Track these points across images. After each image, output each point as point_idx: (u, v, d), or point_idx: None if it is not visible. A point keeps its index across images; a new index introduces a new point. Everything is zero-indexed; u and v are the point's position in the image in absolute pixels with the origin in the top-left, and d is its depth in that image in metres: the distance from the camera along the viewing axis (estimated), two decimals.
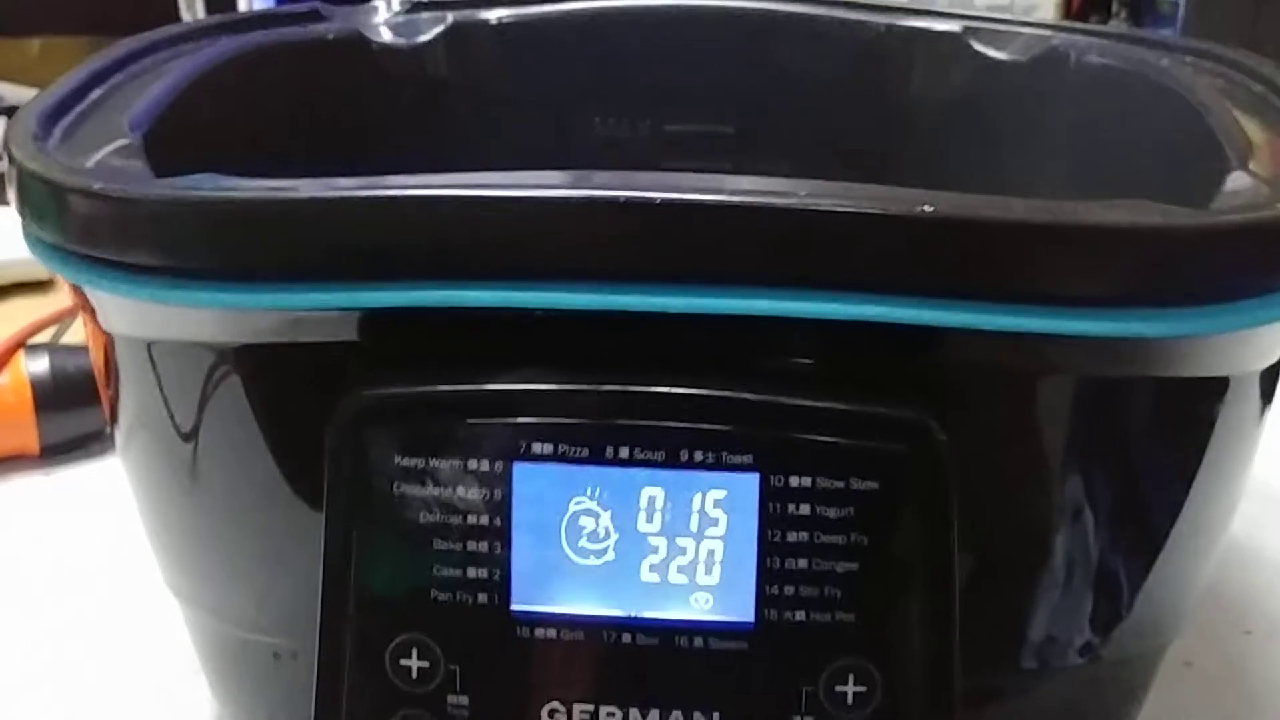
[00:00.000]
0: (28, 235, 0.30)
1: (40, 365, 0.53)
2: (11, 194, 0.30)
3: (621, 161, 0.49)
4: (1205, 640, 0.44)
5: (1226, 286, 0.27)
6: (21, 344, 0.54)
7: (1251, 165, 0.31)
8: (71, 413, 0.53)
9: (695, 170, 0.49)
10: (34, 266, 0.65)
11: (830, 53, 0.49)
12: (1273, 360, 0.32)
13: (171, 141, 0.33)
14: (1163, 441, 0.31)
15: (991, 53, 0.46)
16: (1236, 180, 0.30)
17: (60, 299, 0.63)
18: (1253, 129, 0.34)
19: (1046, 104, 0.44)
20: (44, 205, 0.29)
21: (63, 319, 0.59)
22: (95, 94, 0.35)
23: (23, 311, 0.62)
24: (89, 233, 0.28)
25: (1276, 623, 0.45)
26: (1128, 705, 0.36)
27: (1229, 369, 0.30)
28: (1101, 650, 0.33)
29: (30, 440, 0.53)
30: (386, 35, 0.46)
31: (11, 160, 0.30)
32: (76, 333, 0.58)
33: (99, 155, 0.31)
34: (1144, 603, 0.33)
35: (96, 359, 0.35)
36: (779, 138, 0.50)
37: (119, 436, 0.35)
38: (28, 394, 0.52)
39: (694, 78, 0.49)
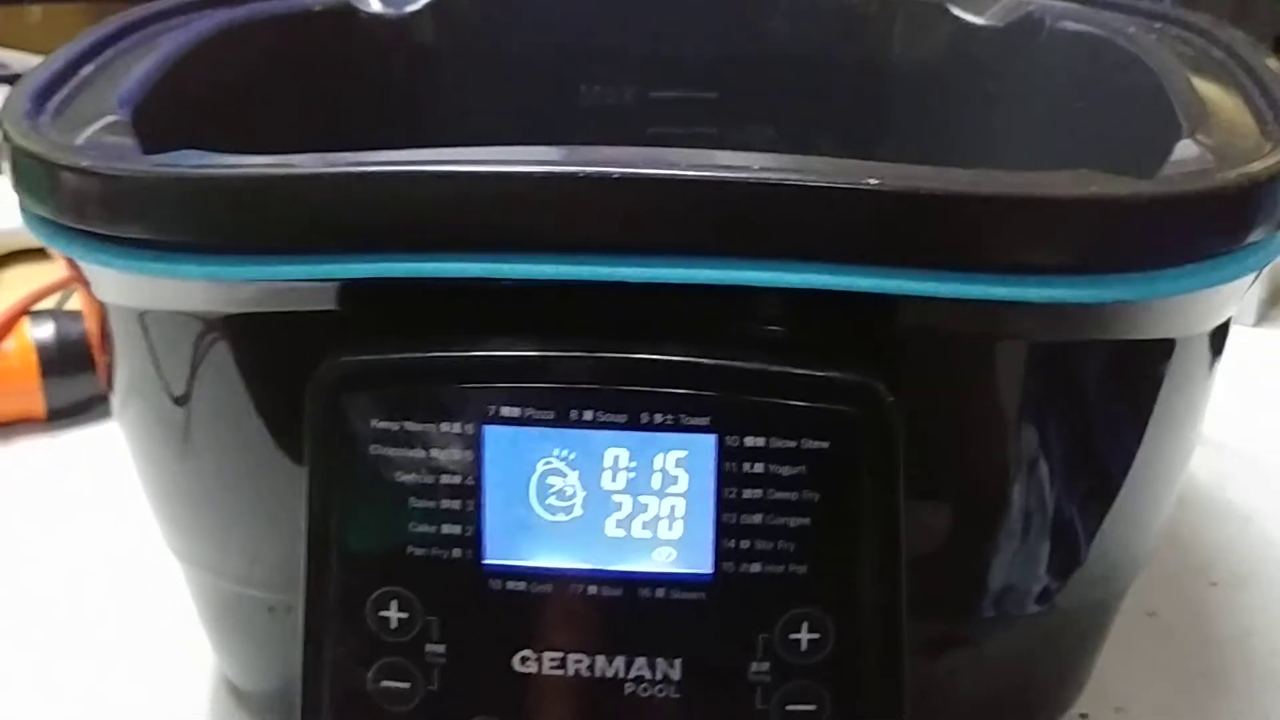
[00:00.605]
0: (23, 210, 0.32)
1: (45, 331, 0.55)
2: (6, 170, 0.32)
3: (607, 128, 0.50)
4: (1170, 591, 0.45)
5: (1167, 253, 0.28)
6: (26, 310, 0.55)
7: (1199, 134, 0.32)
8: (76, 377, 0.55)
9: (680, 136, 0.51)
10: None
11: (813, 18, 0.49)
12: (1219, 321, 0.33)
13: (160, 117, 0.34)
14: (1111, 402, 0.32)
15: (969, 17, 0.46)
16: (1184, 149, 0.31)
17: (63, 267, 0.65)
18: (1210, 96, 0.35)
19: (1019, 69, 0.45)
20: (37, 182, 0.30)
21: (66, 286, 0.60)
22: (86, 70, 0.36)
23: (27, 279, 0.64)
24: (79, 208, 0.30)
25: (1241, 574, 0.46)
26: (1084, 652, 0.38)
27: (1174, 331, 0.31)
28: (1058, 599, 0.34)
29: (36, 404, 0.54)
30: (374, 5, 0.47)
31: (6, 138, 0.31)
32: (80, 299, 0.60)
33: (89, 132, 0.32)
34: (1097, 553, 0.34)
35: (91, 328, 0.36)
36: (763, 103, 0.51)
37: (115, 402, 0.36)
38: (33, 359, 0.54)
39: (679, 44, 0.50)
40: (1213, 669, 0.42)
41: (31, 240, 0.71)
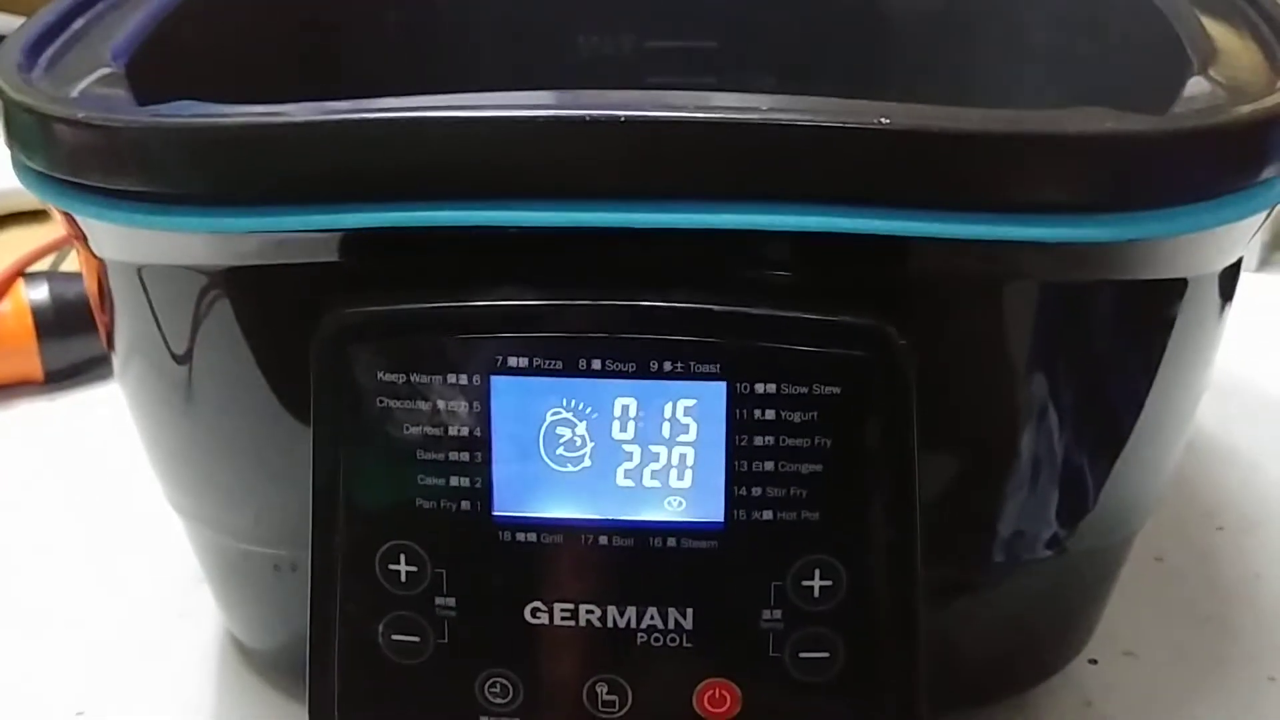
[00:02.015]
0: (17, 165, 0.31)
1: (40, 292, 0.54)
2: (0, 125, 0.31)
3: (605, 78, 0.49)
4: (1177, 536, 0.45)
5: (1180, 190, 0.28)
6: (21, 272, 0.55)
7: (1211, 71, 0.32)
8: (73, 338, 0.54)
9: (679, 86, 0.50)
10: (29, 197, 0.67)
11: None
12: (1230, 261, 0.32)
13: (153, 69, 0.34)
14: (1123, 342, 0.32)
15: None
16: (1195, 85, 0.31)
17: (57, 228, 0.64)
18: (1218, 34, 0.35)
19: (1025, 9, 0.44)
20: (31, 135, 0.30)
21: (60, 247, 0.59)
22: (78, 24, 0.36)
23: (20, 241, 0.63)
24: (75, 161, 0.29)
25: (1247, 519, 0.46)
26: (1094, 597, 0.38)
27: (1187, 270, 0.31)
28: (1068, 543, 0.34)
29: (34, 366, 0.54)
30: None
31: None
32: (75, 261, 0.59)
33: (83, 85, 0.31)
34: (1109, 497, 0.34)
35: (91, 286, 0.36)
36: (762, 51, 0.50)
37: (117, 361, 0.36)
38: (29, 321, 0.54)
39: None
40: (1221, 613, 0.42)
41: (24, 203, 0.71)
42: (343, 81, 0.42)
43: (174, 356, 0.33)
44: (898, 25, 0.48)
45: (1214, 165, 0.28)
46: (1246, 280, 0.35)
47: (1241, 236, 0.32)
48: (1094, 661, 0.39)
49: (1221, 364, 0.37)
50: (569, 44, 0.50)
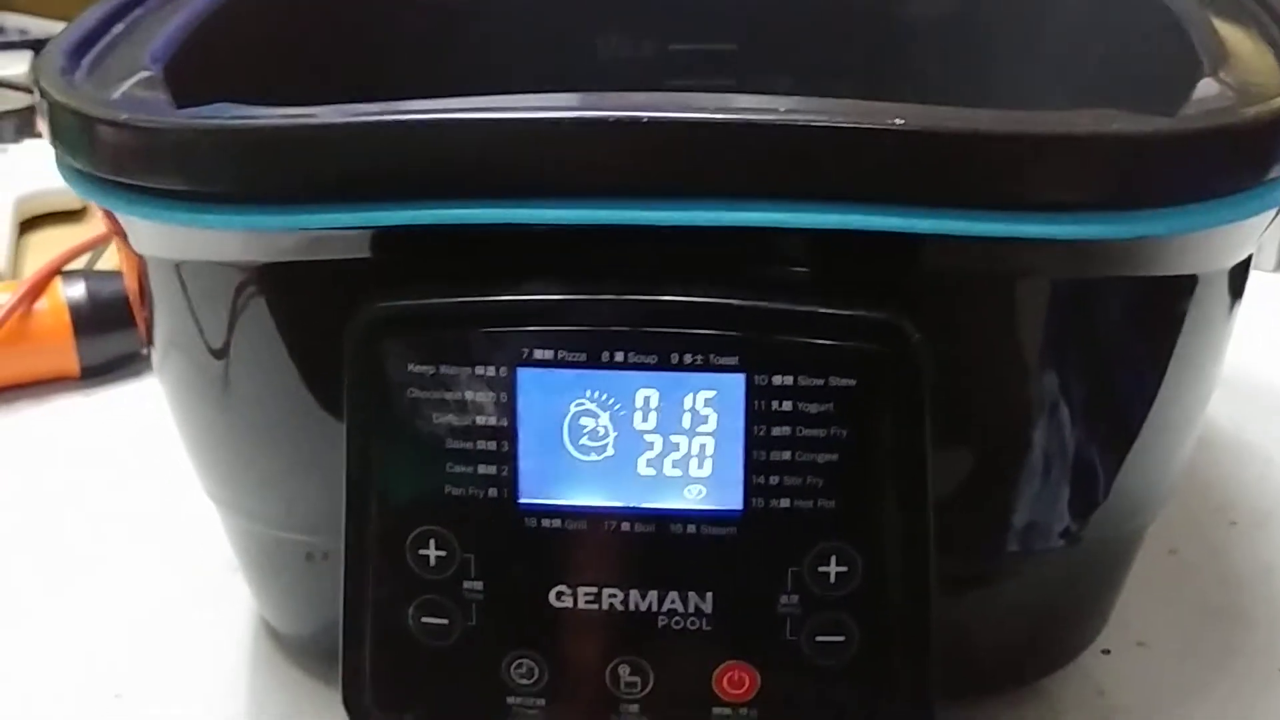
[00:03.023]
0: (60, 164, 0.32)
1: (77, 290, 0.55)
2: (43, 126, 0.32)
3: (627, 81, 0.50)
4: (1190, 530, 0.46)
5: (1192, 189, 0.29)
6: (58, 270, 0.56)
7: (1222, 72, 0.32)
8: (108, 335, 0.56)
9: (699, 88, 0.51)
10: (66, 197, 0.69)
11: None
12: (1240, 258, 0.33)
13: (190, 73, 0.35)
14: (1134, 337, 0.33)
15: None
16: (1206, 87, 0.32)
17: (92, 228, 0.66)
18: (1229, 36, 0.35)
19: (1038, 12, 0.45)
20: (74, 136, 0.31)
21: (96, 246, 0.61)
22: (117, 28, 0.37)
23: (56, 241, 0.65)
24: (117, 161, 0.30)
25: (1260, 513, 0.47)
26: (1107, 588, 0.38)
27: (1197, 267, 0.32)
28: (1080, 534, 0.35)
29: (70, 362, 0.55)
30: None
31: (43, 94, 0.32)
32: (110, 259, 0.61)
33: (123, 87, 0.32)
34: (1120, 488, 0.35)
35: (130, 282, 0.37)
36: (781, 54, 0.51)
37: (155, 355, 0.37)
38: (66, 318, 0.55)
39: None
40: (1233, 605, 0.42)
41: (59, 203, 0.72)
42: (370, 85, 0.43)
43: (211, 350, 0.34)
44: (913, 29, 0.49)
45: (1225, 164, 0.29)
46: (1263, 280, 0.35)
47: (1251, 234, 0.32)
48: (1107, 652, 0.40)
49: (1235, 362, 0.38)
50: (590, 47, 0.51)
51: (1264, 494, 0.48)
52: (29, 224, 0.68)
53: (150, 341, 0.37)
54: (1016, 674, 0.38)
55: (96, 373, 0.56)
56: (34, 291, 0.55)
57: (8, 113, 0.76)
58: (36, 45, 0.82)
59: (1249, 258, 0.34)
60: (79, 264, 0.59)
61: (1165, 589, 0.43)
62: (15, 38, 0.86)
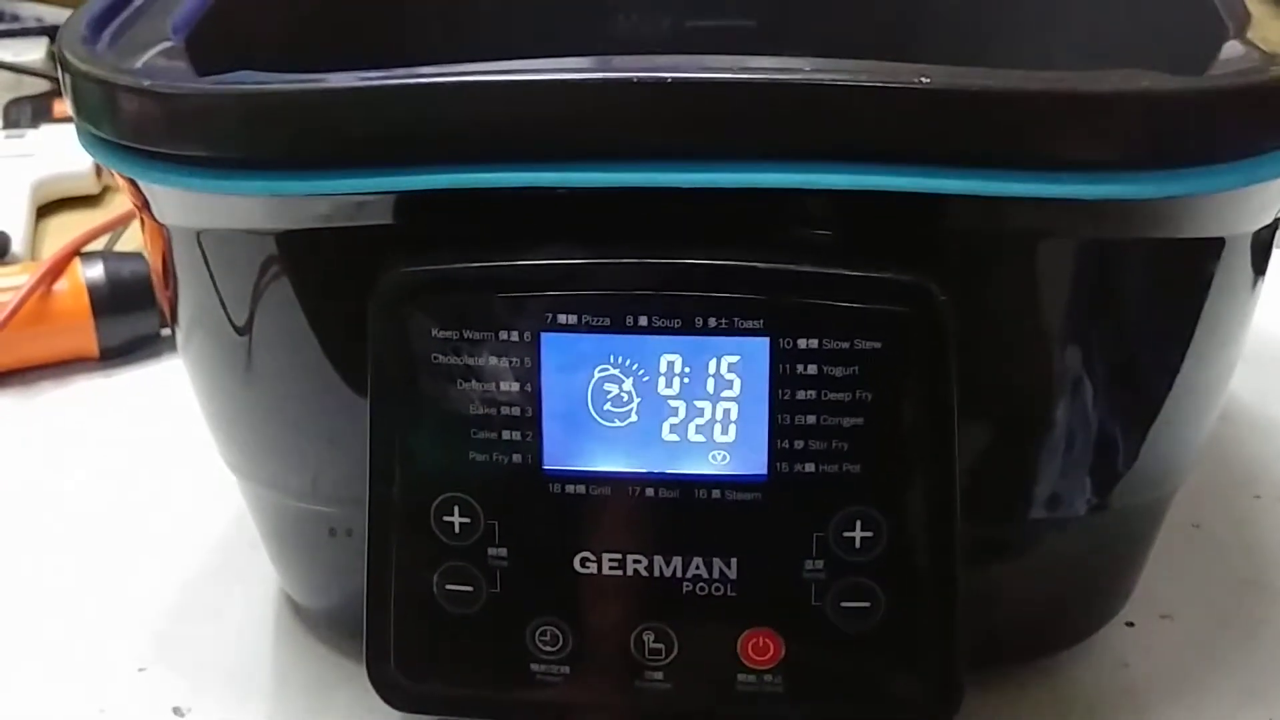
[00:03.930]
0: (82, 134, 0.32)
1: (96, 271, 0.56)
2: (66, 98, 0.32)
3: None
4: (1214, 503, 0.45)
5: (1219, 148, 0.28)
6: (77, 251, 0.56)
7: (1248, 34, 0.32)
8: (127, 316, 0.56)
9: None
10: (83, 181, 0.69)
11: None
12: (1267, 221, 0.33)
13: (211, 43, 0.35)
14: (1160, 302, 0.33)
15: None
16: (1231, 49, 0.31)
17: (110, 210, 0.66)
18: (1253, 1, 0.35)
19: None
20: (97, 104, 0.31)
21: (115, 227, 0.61)
22: (138, 2, 0.37)
23: (73, 224, 0.65)
24: (140, 128, 0.30)
25: None
26: (1131, 558, 0.38)
27: (1224, 229, 0.32)
28: (1105, 500, 0.35)
29: (89, 343, 0.56)
30: None
31: (64, 65, 0.32)
32: (128, 241, 0.61)
33: (145, 57, 0.32)
34: (1146, 456, 0.34)
35: (154, 259, 0.37)
36: (800, 29, 0.51)
37: (179, 330, 0.37)
38: (85, 299, 0.55)
39: None
40: (1258, 577, 0.42)
41: (74, 188, 0.72)
42: (390, 56, 0.43)
43: (234, 321, 0.34)
44: (933, 2, 0.49)
45: (1252, 123, 0.29)
46: None
47: (1277, 196, 0.32)
48: (1131, 624, 0.40)
49: (1260, 336, 0.37)
50: (609, 24, 0.51)
51: None
52: (46, 209, 0.68)
53: (174, 317, 0.37)
54: (1040, 645, 0.38)
55: (116, 354, 0.56)
56: (53, 272, 0.55)
57: (25, 98, 0.76)
58: (52, 32, 0.82)
59: (1275, 222, 0.33)
60: (98, 245, 0.59)
61: (1189, 562, 0.43)
62: (31, 25, 0.86)
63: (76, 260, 0.56)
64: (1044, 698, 0.37)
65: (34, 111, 0.74)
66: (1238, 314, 0.35)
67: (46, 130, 0.72)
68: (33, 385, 0.55)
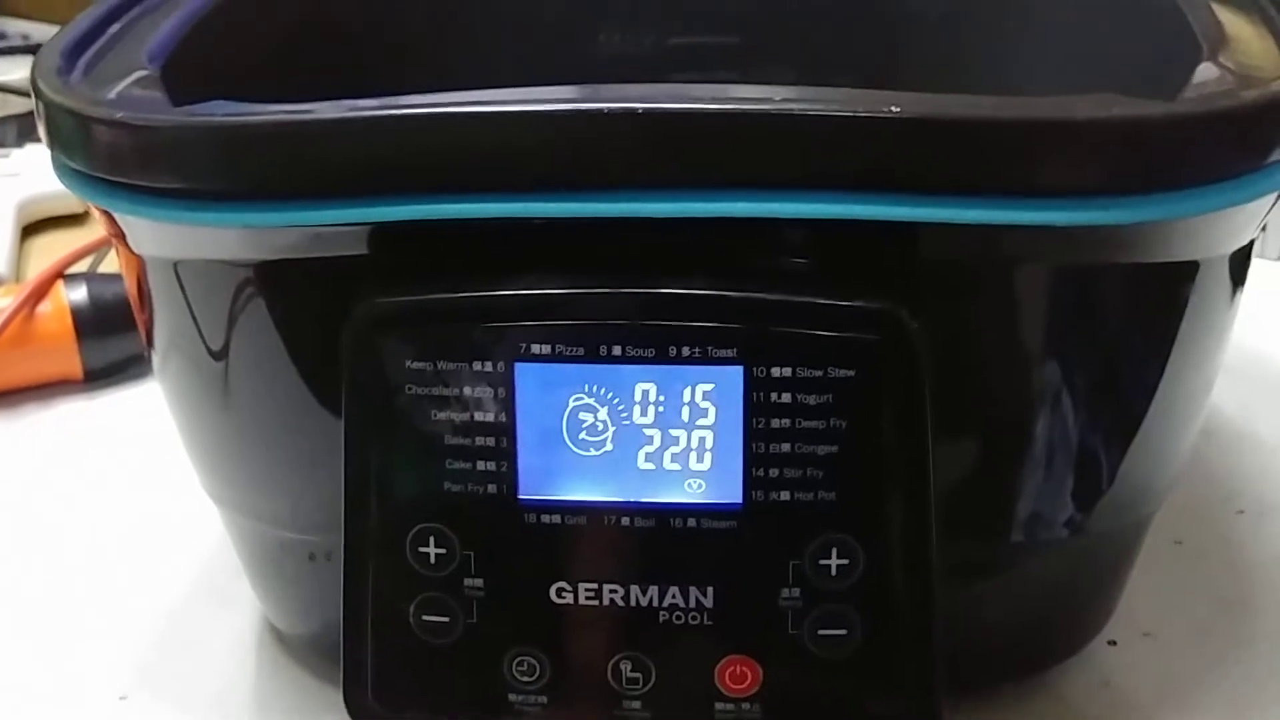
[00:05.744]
0: (57, 165, 0.32)
1: (79, 293, 0.55)
2: (41, 128, 0.32)
3: (627, 75, 0.50)
4: (1197, 519, 0.45)
5: (1189, 173, 0.28)
6: (60, 273, 0.56)
7: (1221, 57, 0.32)
8: (111, 338, 0.56)
9: (701, 81, 0.51)
10: (68, 201, 0.69)
11: None
12: (1241, 244, 0.33)
13: (187, 72, 0.35)
14: (1136, 325, 0.33)
15: None
16: (1205, 70, 0.31)
17: (93, 231, 0.66)
18: (1229, 21, 0.35)
19: (1038, 1, 0.45)
20: (71, 135, 0.31)
21: (98, 249, 0.61)
22: (114, 28, 0.37)
23: (57, 245, 0.65)
24: (114, 160, 0.30)
25: (1267, 503, 0.47)
26: (1112, 578, 0.38)
27: (1198, 253, 0.32)
28: (1084, 523, 0.35)
29: (73, 365, 0.55)
30: None
31: (38, 94, 0.32)
32: (112, 262, 0.61)
33: (120, 87, 0.32)
34: (1124, 477, 0.34)
35: (130, 285, 0.37)
36: (782, 47, 0.51)
37: (155, 357, 0.37)
38: (69, 321, 0.55)
39: None
40: (1240, 594, 0.42)
41: (60, 207, 0.72)
42: (369, 81, 0.43)
43: (210, 350, 0.34)
44: (914, 19, 0.49)
45: (1225, 147, 0.29)
46: (1266, 269, 0.35)
47: (1252, 219, 0.32)
48: (1113, 643, 0.40)
49: (1241, 351, 0.37)
50: (591, 42, 0.51)
51: (1270, 483, 0.48)
52: (31, 228, 0.68)
53: (150, 344, 0.37)
54: (1022, 666, 0.38)
55: (100, 375, 0.56)
56: (37, 294, 0.55)
57: (10, 117, 0.76)
58: (38, 50, 0.82)
59: (1250, 244, 0.34)
60: (81, 267, 0.59)
61: (1171, 579, 0.43)
62: (17, 43, 0.86)
63: (60, 282, 0.56)
64: (1026, 718, 0.37)
65: (19, 131, 0.74)
66: (1214, 335, 0.35)
67: (31, 149, 0.72)
68: (16, 407, 0.55)
